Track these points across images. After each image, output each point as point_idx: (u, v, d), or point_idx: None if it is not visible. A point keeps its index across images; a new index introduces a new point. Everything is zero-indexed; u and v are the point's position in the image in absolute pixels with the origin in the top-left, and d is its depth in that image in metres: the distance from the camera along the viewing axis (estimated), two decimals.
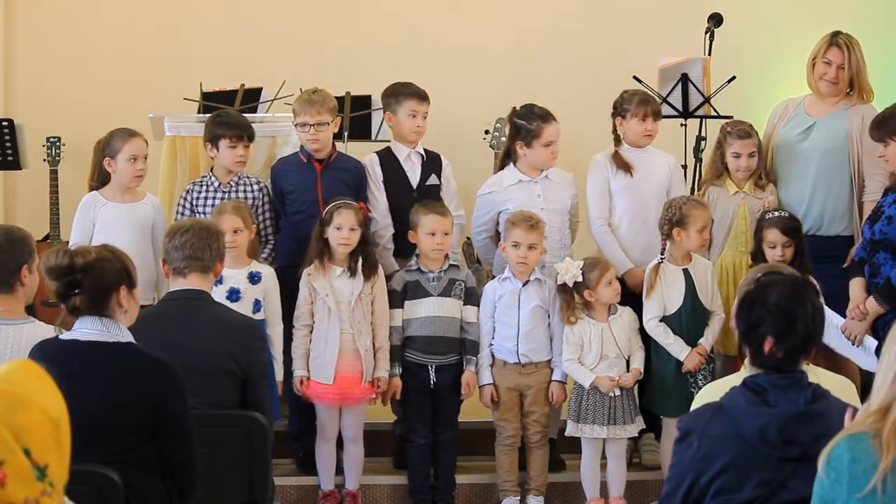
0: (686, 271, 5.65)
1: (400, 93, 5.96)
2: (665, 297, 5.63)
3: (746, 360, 3.26)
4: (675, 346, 5.59)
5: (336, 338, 5.53)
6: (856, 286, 5.40)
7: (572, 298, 5.62)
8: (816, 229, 5.89)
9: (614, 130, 5.99)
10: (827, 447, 2.60)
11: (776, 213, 5.70)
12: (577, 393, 5.61)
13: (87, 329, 3.57)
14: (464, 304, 5.71)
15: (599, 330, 5.60)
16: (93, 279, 3.55)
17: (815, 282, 3.81)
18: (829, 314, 4.79)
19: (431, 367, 5.66)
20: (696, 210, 5.61)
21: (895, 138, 5.33)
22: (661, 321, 5.62)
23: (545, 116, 5.83)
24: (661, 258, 5.64)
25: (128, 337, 3.61)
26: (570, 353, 5.59)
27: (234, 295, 5.42)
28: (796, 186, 5.94)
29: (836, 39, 5.90)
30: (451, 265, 5.74)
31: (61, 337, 3.63)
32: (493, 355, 5.68)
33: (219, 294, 5.12)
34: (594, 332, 5.60)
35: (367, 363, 5.56)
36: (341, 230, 5.53)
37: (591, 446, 5.62)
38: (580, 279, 5.57)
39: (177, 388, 3.59)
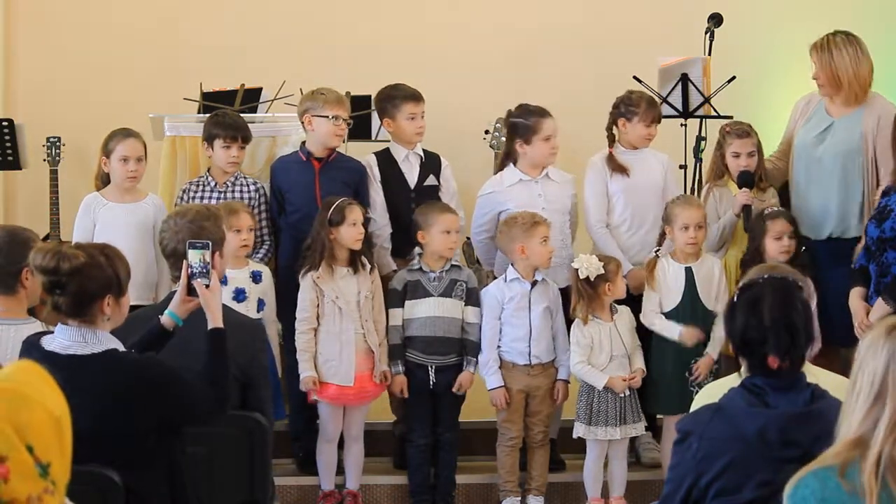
0: (689, 269, 5.66)
1: (395, 96, 5.96)
2: (662, 294, 5.63)
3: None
4: (665, 327, 5.59)
5: (351, 339, 5.54)
6: (855, 298, 5.32)
7: (589, 294, 5.58)
8: (840, 233, 5.80)
9: (609, 129, 5.99)
10: (792, 481, 2.48)
11: (776, 208, 5.72)
12: (588, 395, 5.58)
13: (64, 340, 3.51)
14: (465, 305, 5.71)
15: (608, 329, 5.60)
16: (77, 285, 3.48)
17: (802, 279, 3.73)
18: None
19: (431, 367, 5.66)
20: (680, 208, 5.66)
21: None
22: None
23: (541, 111, 5.87)
24: (656, 252, 5.65)
25: (106, 344, 3.53)
26: (580, 356, 5.56)
27: (240, 295, 5.46)
28: (815, 190, 5.86)
29: (817, 42, 5.82)
30: (452, 265, 5.73)
31: (44, 346, 3.55)
32: (499, 357, 5.67)
33: (225, 294, 5.11)
34: (603, 332, 5.59)
35: (377, 359, 5.59)
36: (356, 226, 5.53)
37: (597, 447, 5.61)
38: (602, 272, 5.56)
39: (161, 385, 3.56)
